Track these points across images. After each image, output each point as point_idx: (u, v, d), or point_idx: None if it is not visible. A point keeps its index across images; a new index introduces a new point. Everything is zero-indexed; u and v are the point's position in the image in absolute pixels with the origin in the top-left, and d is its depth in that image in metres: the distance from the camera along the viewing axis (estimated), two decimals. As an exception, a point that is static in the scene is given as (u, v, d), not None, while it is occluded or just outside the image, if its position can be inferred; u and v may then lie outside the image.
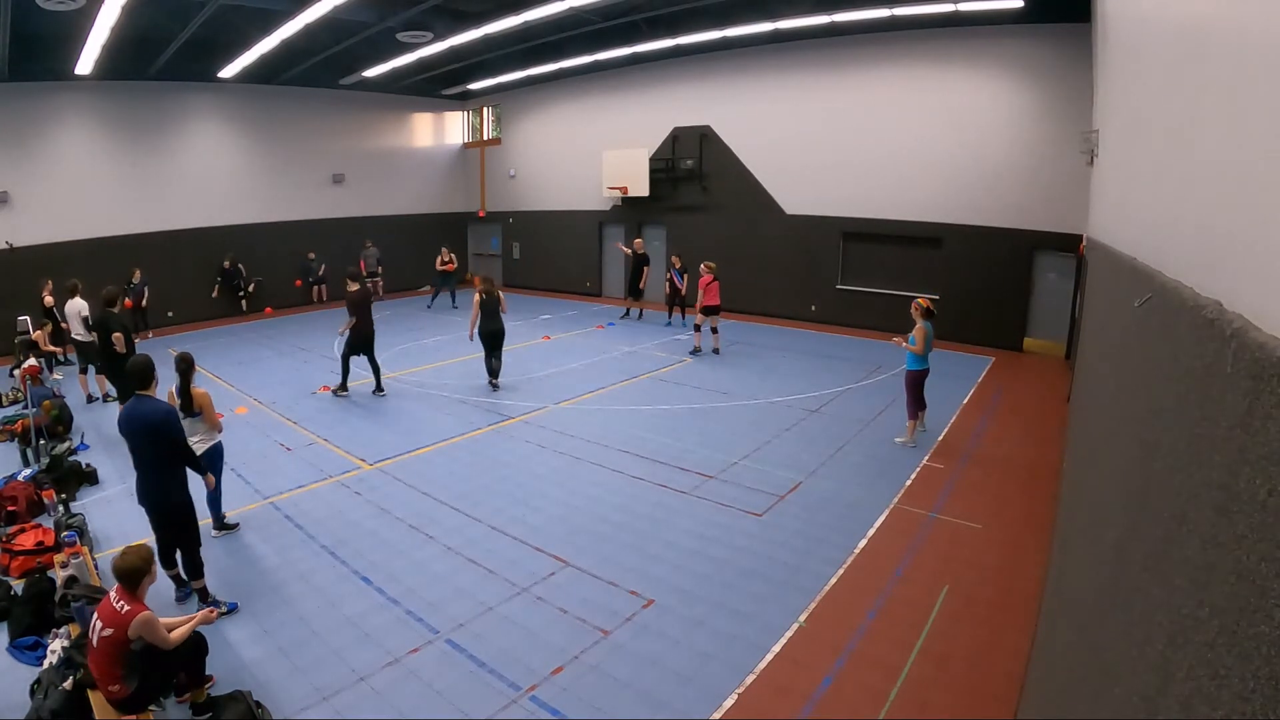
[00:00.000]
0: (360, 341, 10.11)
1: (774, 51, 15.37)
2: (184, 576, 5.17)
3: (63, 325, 10.94)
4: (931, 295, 13.98)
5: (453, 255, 18.40)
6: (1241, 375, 1.02)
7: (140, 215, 15.79)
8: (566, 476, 7.43)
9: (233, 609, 5.06)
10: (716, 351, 12.64)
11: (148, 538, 5.42)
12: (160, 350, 13.13)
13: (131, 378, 4.91)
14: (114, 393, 9.62)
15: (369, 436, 8.67)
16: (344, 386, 10.40)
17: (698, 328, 12.77)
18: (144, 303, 14.42)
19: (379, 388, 10.34)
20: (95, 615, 3.66)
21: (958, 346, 13.23)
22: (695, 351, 12.69)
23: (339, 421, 9.30)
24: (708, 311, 12.39)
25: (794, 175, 15.61)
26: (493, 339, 10.38)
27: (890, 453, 8.00)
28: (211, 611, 4.21)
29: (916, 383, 8.09)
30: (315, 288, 18.88)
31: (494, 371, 10.56)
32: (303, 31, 12.12)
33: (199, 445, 5.65)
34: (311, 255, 18.59)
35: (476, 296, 10.26)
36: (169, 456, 4.86)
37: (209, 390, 6.00)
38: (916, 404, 8.20)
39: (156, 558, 5.08)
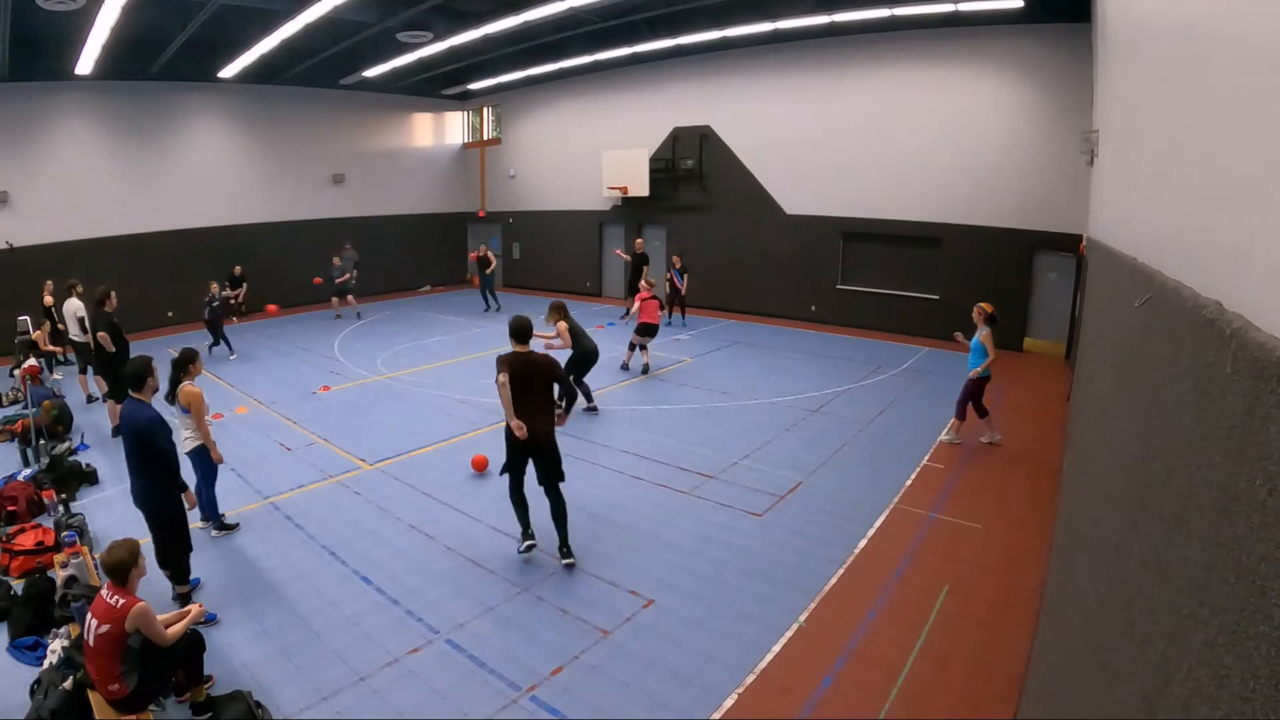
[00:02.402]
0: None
1: (774, 51, 15.37)
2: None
3: (60, 326, 10.94)
4: (932, 295, 14.05)
5: (490, 253, 17.47)
6: (1241, 375, 1.02)
7: (140, 215, 15.79)
8: (566, 476, 7.41)
9: (211, 619, 4.86)
10: (646, 369, 11.50)
11: (147, 538, 5.43)
12: (161, 351, 13.14)
13: (127, 379, 4.87)
14: (113, 391, 9.61)
15: (369, 436, 8.67)
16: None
17: (633, 346, 11.64)
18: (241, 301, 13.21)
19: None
20: (89, 614, 3.65)
21: (958, 347, 13.20)
22: (624, 367, 11.68)
23: (339, 421, 9.30)
24: (642, 332, 11.38)
25: (794, 175, 15.61)
26: (588, 360, 9.29)
27: (890, 453, 7.99)
28: (203, 607, 4.19)
29: (978, 389, 7.93)
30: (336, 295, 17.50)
31: (588, 395, 9.55)
32: (303, 31, 12.13)
33: (187, 442, 5.64)
34: (337, 261, 17.00)
35: (564, 324, 9.06)
36: (151, 464, 4.75)
37: (208, 391, 5.99)
38: (965, 405, 8.07)
39: (153, 555, 5.09)
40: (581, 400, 9.31)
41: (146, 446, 4.72)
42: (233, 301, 13.34)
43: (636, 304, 11.56)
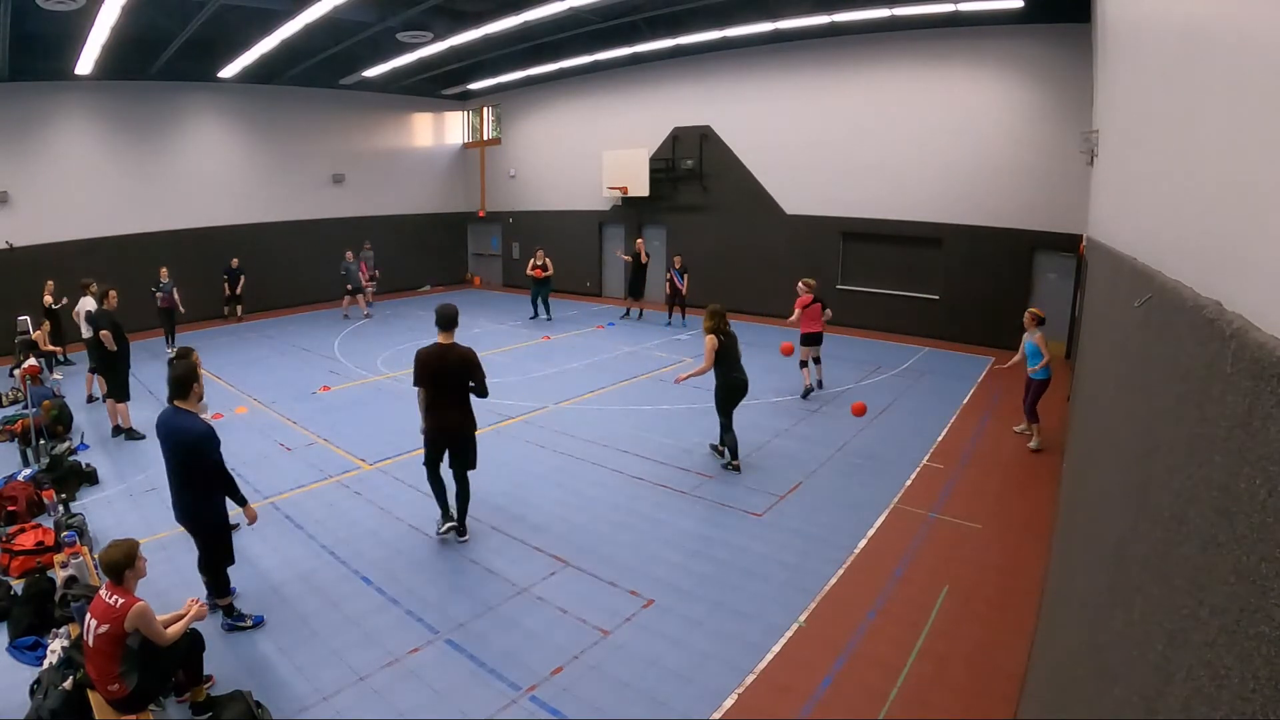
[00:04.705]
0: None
1: (774, 51, 15.37)
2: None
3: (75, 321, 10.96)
4: (932, 295, 14.06)
5: (547, 259, 15.97)
6: (1241, 375, 1.02)
7: (140, 215, 15.80)
8: (566, 476, 7.43)
9: (259, 623, 4.90)
10: (820, 384, 10.22)
11: (148, 537, 5.43)
12: (159, 351, 13.13)
13: (170, 385, 4.68)
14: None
15: (369, 436, 8.66)
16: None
17: (804, 363, 10.00)
18: (175, 304, 13.35)
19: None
20: (89, 614, 3.64)
21: (958, 346, 13.24)
22: (806, 395, 9.93)
23: (339, 421, 9.30)
24: (807, 342, 9.76)
25: (794, 175, 15.61)
26: (733, 394, 7.35)
27: (890, 453, 7.99)
28: (203, 606, 4.12)
29: (1040, 391, 8.01)
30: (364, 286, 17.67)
31: (733, 447, 7.47)
32: (303, 31, 12.13)
33: None
34: (367, 247, 17.81)
35: (711, 338, 7.27)
36: (200, 477, 4.60)
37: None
38: (1034, 407, 8.12)
39: (198, 562, 4.95)
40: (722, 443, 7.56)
41: (200, 461, 4.55)
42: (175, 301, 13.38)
43: (797, 311, 9.62)
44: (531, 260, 16.20)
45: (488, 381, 5.83)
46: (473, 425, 5.89)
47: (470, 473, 6.03)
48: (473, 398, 5.83)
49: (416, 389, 5.79)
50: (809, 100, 15.13)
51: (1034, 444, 8.09)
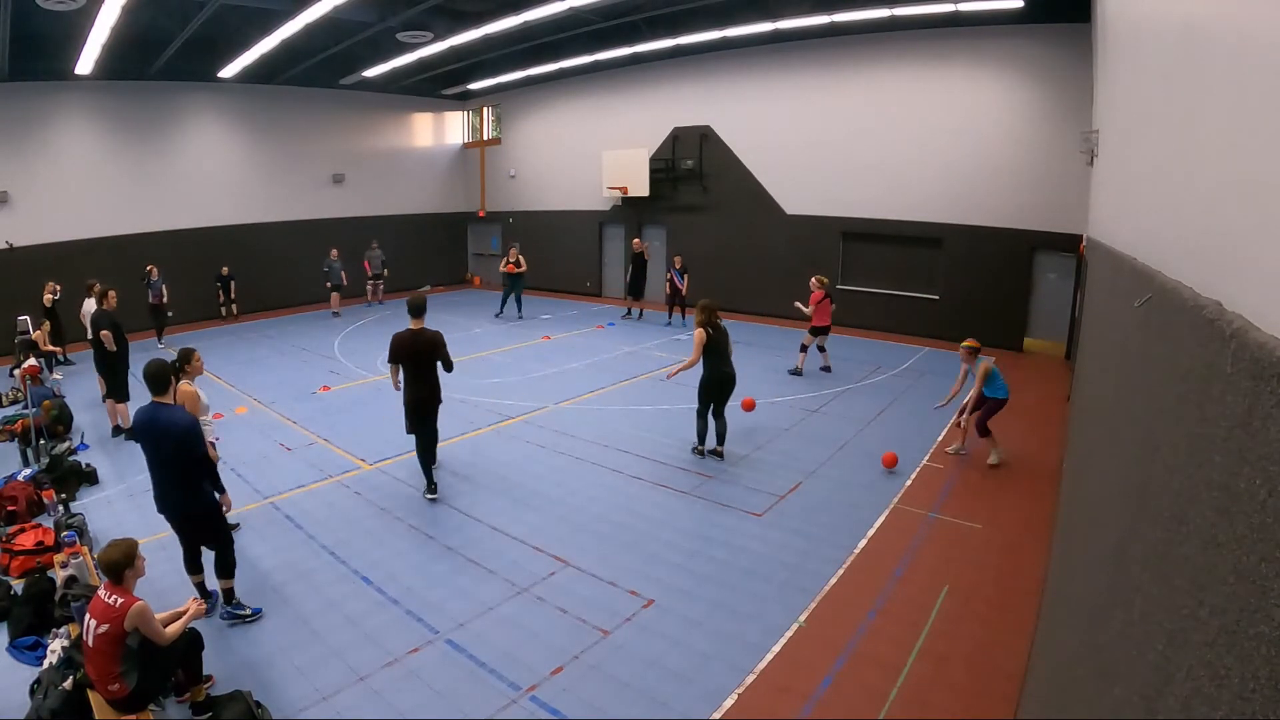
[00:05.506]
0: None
1: (774, 51, 15.37)
2: (212, 579, 5.06)
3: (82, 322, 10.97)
4: (931, 295, 14.06)
5: (520, 256, 16.20)
6: (1241, 375, 1.02)
7: (140, 215, 15.80)
8: (566, 476, 7.43)
9: (258, 614, 4.96)
10: (828, 369, 11.37)
11: (147, 537, 5.43)
12: (159, 351, 13.13)
13: (147, 383, 4.70)
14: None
15: (369, 436, 8.66)
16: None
17: (804, 348, 11.36)
18: (164, 301, 13.81)
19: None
20: (88, 614, 3.64)
21: (958, 347, 13.18)
22: (797, 373, 11.27)
23: (339, 421, 9.29)
24: (815, 333, 11.09)
25: (794, 175, 15.61)
26: (721, 388, 7.59)
27: (890, 452, 7.97)
28: (201, 604, 4.13)
29: (991, 410, 7.70)
30: (372, 283, 18.71)
31: (720, 435, 7.78)
32: (303, 31, 12.13)
33: None
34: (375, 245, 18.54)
35: (700, 331, 7.41)
36: (189, 468, 4.66)
37: (208, 391, 5.99)
38: (984, 425, 7.77)
39: (184, 562, 5.01)
40: (708, 438, 7.81)
41: (183, 453, 4.59)
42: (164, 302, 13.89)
43: (811, 307, 10.84)
44: (505, 258, 16.35)
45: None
46: (439, 395, 6.94)
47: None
48: (441, 374, 6.86)
49: (389, 364, 6.84)
50: (809, 100, 15.12)
51: (993, 459, 7.69)
